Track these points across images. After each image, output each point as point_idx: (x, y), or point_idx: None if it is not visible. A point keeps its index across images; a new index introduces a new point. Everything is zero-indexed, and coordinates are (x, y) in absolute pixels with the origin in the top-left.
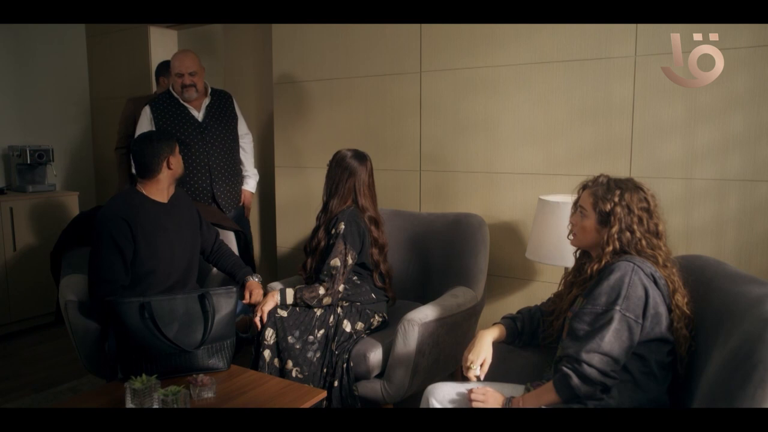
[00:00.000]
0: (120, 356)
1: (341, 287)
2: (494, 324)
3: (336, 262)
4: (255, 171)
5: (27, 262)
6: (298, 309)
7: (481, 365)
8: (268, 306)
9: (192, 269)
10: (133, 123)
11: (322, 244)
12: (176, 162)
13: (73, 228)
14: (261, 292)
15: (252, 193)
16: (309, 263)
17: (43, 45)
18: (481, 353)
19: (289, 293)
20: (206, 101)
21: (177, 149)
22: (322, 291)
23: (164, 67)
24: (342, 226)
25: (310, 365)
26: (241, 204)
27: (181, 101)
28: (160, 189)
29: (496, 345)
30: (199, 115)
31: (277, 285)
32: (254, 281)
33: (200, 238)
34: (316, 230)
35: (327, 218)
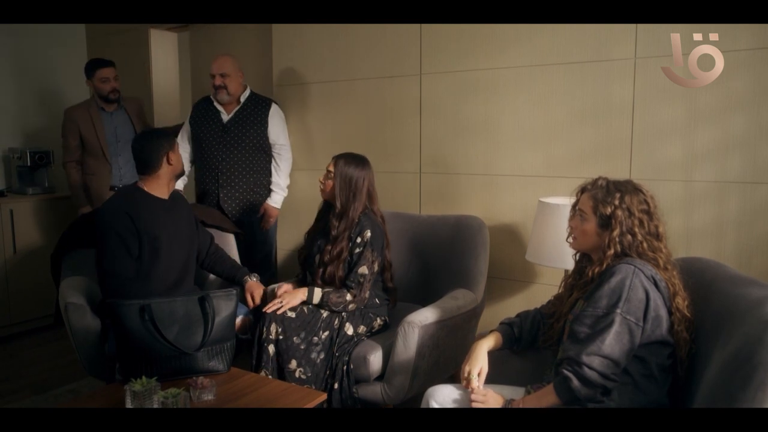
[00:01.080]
0: (120, 358)
1: (367, 294)
2: (491, 331)
3: (364, 270)
4: (283, 186)
5: (27, 264)
6: (306, 310)
7: (479, 374)
8: (297, 300)
9: (189, 268)
10: (77, 132)
11: (345, 252)
12: (176, 158)
13: (73, 230)
14: (261, 292)
15: (274, 207)
16: (331, 271)
17: (43, 47)
18: (477, 363)
19: (317, 293)
20: (239, 106)
21: (177, 146)
22: (349, 297)
23: (88, 69)
24: (368, 234)
25: (314, 366)
26: (259, 215)
27: (215, 103)
28: (161, 185)
29: (495, 351)
30: (226, 118)
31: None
32: (253, 282)
33: (197, 238)
34: (335, 239)
35: (347, 226)
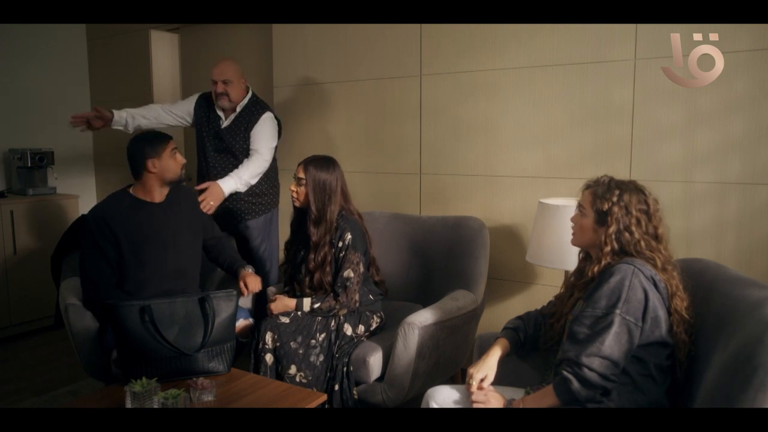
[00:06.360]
0: (120, 359)
1: (357, 296)
2: (497, 338)
3: (349, 273)
4: (243, 178)
5: (27, 265)
6: (300, 314)
7: (482, 380)
8: (281, 308)
9: (188, 273)
10: None
11: (329, 257)
12: (160, 165)
13: (73, 231)
14: (257, 280)
15: (219, 187)
16: (318, 278)
17: (44, 48)
18: (484, 371)
19: (306, 302)
20: (235, 114)
21: (165, 152)
22: (336, 302)
23: None
24: (349, 237)
25: (314, 369)
26: (201, 193)
27: (215, 106)
28: (147, 190)
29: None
30: (224, 122)
31: (273, 290)
32: (248, 271)
33: (203, 236)
34: (316, 246)
35: (326, 230)
